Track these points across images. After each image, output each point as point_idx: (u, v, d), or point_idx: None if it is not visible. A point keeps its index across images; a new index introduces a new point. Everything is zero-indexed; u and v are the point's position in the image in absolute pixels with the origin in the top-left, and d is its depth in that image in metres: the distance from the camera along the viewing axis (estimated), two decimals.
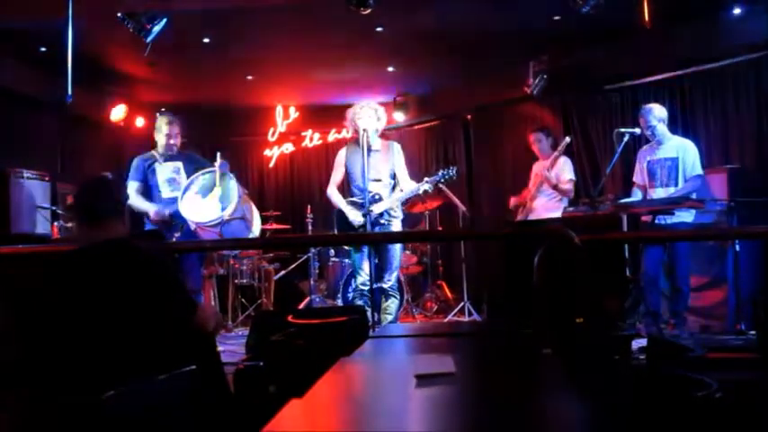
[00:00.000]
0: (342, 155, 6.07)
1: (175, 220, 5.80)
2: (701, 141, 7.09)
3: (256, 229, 6.05)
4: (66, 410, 2.38)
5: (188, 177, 5.89)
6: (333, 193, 6.01)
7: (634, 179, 6.47)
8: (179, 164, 6.01)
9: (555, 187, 6.91)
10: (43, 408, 2.43)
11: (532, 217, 7.02)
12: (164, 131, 5.98)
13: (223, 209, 5.68)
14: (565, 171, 7.02)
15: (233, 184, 5.80)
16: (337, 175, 6.05)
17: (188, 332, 2.77)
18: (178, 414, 2.41)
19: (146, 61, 7.74)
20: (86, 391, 2.32)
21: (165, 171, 5.97)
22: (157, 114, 6.47)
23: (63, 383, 2.49)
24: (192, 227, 5.69)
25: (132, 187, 5.90)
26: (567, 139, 6.94)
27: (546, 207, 6.94)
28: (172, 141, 5.99)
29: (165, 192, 5.91)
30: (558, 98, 8.66)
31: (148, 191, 5.95)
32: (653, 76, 7.82)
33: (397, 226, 5.95)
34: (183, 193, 5.75)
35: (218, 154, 5.88)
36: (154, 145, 6.11)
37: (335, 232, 6.12)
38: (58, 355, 2.57)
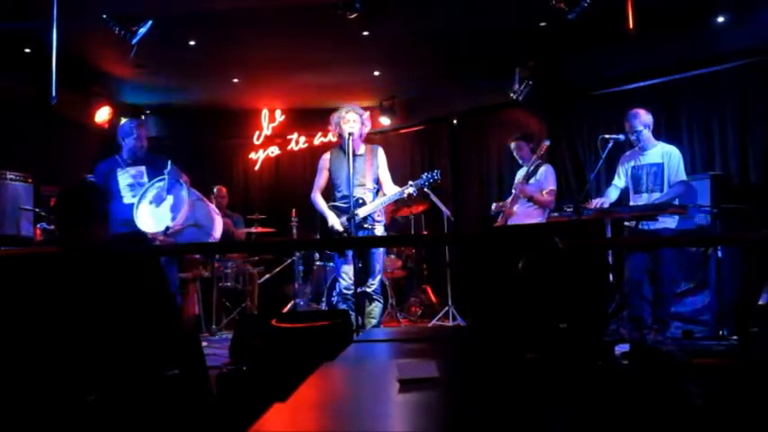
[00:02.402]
0: (325, 159, 6.06)
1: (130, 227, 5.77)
2: (685, 148, 7.14)
3: (217, 233, 5.96)
4: (51, 412, 2.36)
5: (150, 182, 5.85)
6: (317, 198, 6.00)
7: (613, 182, 6.47)
8: (142, 168, 5.95)
9: (531, 199, 6.87)
10: (29, 409, 2.42)
11: (512, 222, 6.99)
12: (132, 136, 5.93)
13: (173, 218, 5.58)
14: (546, 180, 6.99)
15: (183, 193, 5.66)
16: (321, 180, 6.04)
17: (173, 335, 2.76)
18: (162, 417, 2.40)
19: (131, 63, 7.72)
20: (71, 393, 2.31)
21: (126, 176, 5.90)
22: (126, 119, 6.42)
23: (47, 385, 2.48)
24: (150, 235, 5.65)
25: None
26: (547, 142, 6.93)
27: (526, 213, 6.91)
28: (139, 145, 5.95)
29: (127, 197, 5.84)
30: (544, 104, 8.68)
31: (110, 197, 5.88)
32: (637, 83, 7.86)
33: (380, 230, 5.96)
34: (139, 201, 5.69)
35: (169, 162, 5.79)
36: (117, 149, 6.07)
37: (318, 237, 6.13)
38: (42, 358, 2.55)
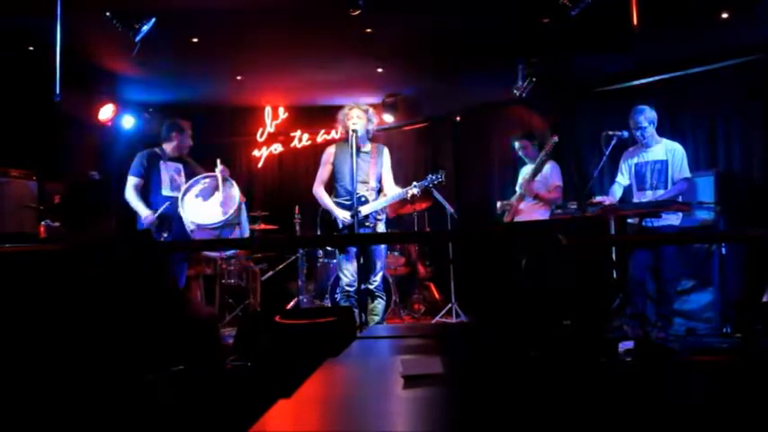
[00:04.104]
0: (330, 153, 6.05)
1: (167, 221, 5.91)
2: (689, 145, 7.13)
3: (246, 233, 6.20)
4: (56, 406, 2.37)
5: (186, 181, 6.07)
6: (319, 191, 6.00)
7: (617, 179, 6.46)
8: (180, 165, 6.26)
9: (537, 196, 6.88)
10: (34, 404, 2.43)
11: (519, 219, 7.01)
12: (185, 133, 6.27)
13: (224, 213, 5.86)
14: (552, 177, 6.99)
15: (235, 191, 6.01)
16: (324, 173, 6.04)
17: (181, 330, 2.76)
18: (165, 413, 2.41)
19: (134, 61, 7.71)
20: (75, 388, 2.31)
21: (169, 170, 6.18)
22: (178, 117, 6.61)
23: (49, 381, 2.49)
24: (191, 227, 5.79)
25: (131, 182, 6.06)
26: (555, 138, 6.93)
27: (532, 210, 6.92)
28: (187, 144, 6.30)
29: (166, 190, 6.11)
30: (547, 101, 8.68)
31: (149, 186, 6.10)
32: (641, 79, 7.85)
33: (381, 228, 5.96)
34: (184, 194, 5.90)
35: (219, 160, 6.08)
36: (158, 143, 6.31)
37: (318, 233, 6.14)
38: (43, 354, 2.56)
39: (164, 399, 2.41)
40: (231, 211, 5.82)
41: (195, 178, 6.00)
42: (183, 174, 6.19)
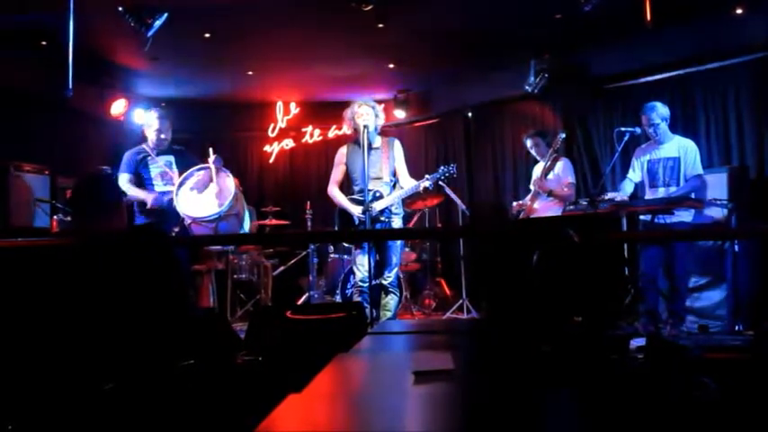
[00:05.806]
0: (342, 153, 6.06)
1: (170, 214, 5.83)
2: (702, 141, 7.09)
3: (246, 226, 6.09)
4: (68, 402, 2.38)
5: (180, 173, 5.94)
6: (334, 191, 6.00)
7: (628, 175, 6.44)
8: (171, 158, 6.10)
9: (550, 194, 6.85)
10: (46, 400, 2.43)
11: (533, 217, 6.98)
12: (154, 127, 6.06)
13: (220, 205, 5.72)
14: (565, 174, 6.97)
15: (230, 181, 5.84)
16: (338, 174, 6.04)
17: (189, 324, 2.76)
18: (177, 408, 2.41)
19: (146, 56, 7.74)
20: (87, 383, 2.32)
21: (157, 165, 6.03)
22: (148, 110, 6.50)
23: (65, 376, 2.49)
24: (187, 222, 5.72)
25: (124, 179, 5.96)
26: (562, 134, 6.90)
27: (546, 208, 6.89)
28: (163, 136, 6.08)
29: (158, 186, 5.99)
30: (559, 97, 8.65)
31: (141, 184, 6.01)
32: (654, 76, 7.81)
33: (397, 223, 5.93)
34: (178, 188, 5.79)
35: (211, 150, 5.93)
36: (144, 139, 6.19)
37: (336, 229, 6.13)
38: (60, 348, 2.56)
39: (173, 394, 2.42)
40: (227, 203, 5.69)
41: (189, 171, 5.86)
42: (174, 166, 6.03)
